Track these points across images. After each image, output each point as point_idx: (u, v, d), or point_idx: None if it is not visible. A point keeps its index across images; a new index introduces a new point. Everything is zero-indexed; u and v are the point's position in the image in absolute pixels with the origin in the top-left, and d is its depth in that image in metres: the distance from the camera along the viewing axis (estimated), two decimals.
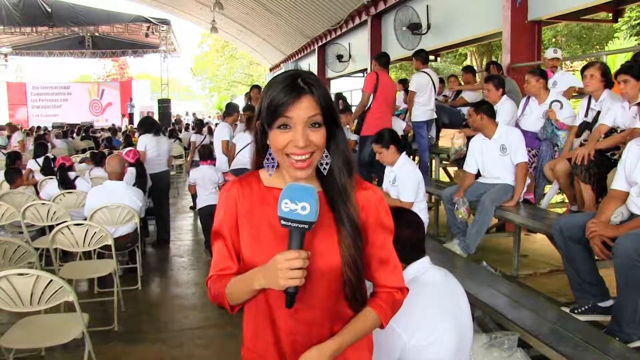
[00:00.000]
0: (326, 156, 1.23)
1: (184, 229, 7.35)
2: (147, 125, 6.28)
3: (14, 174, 5.58)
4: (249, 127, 5.90)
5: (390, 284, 1.31)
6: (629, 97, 3.53)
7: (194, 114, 27.94)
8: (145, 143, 6.04)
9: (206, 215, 5.42)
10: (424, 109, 6.24)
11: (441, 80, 7.58)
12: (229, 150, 6.12)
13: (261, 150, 1.26)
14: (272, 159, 1.23)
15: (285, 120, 1.16)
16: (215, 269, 1.30)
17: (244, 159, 5.69)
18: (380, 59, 6.02)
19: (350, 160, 1.26)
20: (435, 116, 6.43)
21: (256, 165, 1.32)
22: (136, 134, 8.63)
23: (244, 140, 5.78)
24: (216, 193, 5.52)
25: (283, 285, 1.10)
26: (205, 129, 10.04)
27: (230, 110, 6.89)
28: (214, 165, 5.81)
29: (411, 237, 1.96)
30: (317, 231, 1.20)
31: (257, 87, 7.63)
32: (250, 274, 1.19)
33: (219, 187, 5.58)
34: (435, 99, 6.48)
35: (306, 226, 1.11)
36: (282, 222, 1.11)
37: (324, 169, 1.24)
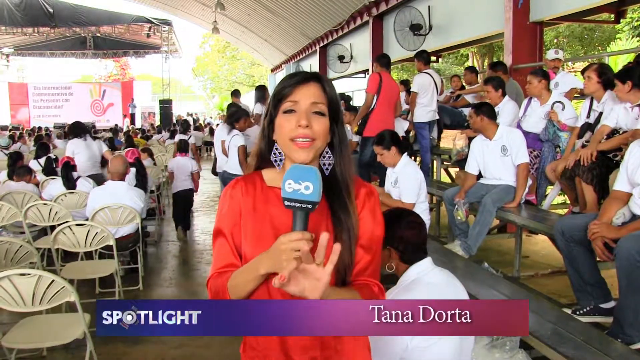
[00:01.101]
0: (329, 156, 1.25)
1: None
2: (76, 130, 6.38)
3: (26, 169, 5.63)
4: (231, 124, 5.87)
5: (369, 276, 1.28)
6: (619, 99, 3.61)
7: (192, 114, 27.98)
8: (73, 148, 6.12)
9: (180, 197, 6.61)
10: (426, 110, 6.24)
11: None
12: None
13: (268, 147, 1.27)
14: (279, 152, 1.25)
15: (291, 105, 1.20)
16: (216, 267, 1.28)
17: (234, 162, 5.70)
18: (382, 59, 6.03)
19: (350, 160, 1.28)
20: (437, 117, 6.43)
21: (257, 166, 1.33)
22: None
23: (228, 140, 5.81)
24: (189, 180, 6.67)
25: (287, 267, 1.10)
26: (206, 129, 10.22)
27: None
28: (188, 157, 6.94)
29: (413, 238, 1.96)
30: (316, 230, 1.20)
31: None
32: (254, 260, 1.18)
33: (192, 175, 6.74)
34: (438, 100, 6.48)
35: (310, 206, 1.10)
36: (286, 202, 1.10)
37: (327, 169, 1.25)
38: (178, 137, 10.07)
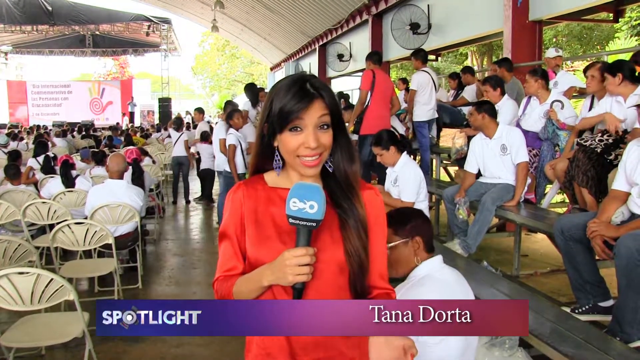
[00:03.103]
0: (330, 155, 1.26)
1: (184, 227, 7.35)
2: None
3: (16, 169, 5.57)
4: (227, 123, 5.92)
5: (384, 284, 1.32)
6: (610, 93, 3.65)
7: (190, 113, 27.92)
8: None
9: (204, 174, 8.66)
10: (425, 109, 6.23)
11: None
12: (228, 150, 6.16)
13: (267, 151, 1.28)
14: (279, 159, 1.26)
15: (298, 123, 1.19)
16: (221, 270, 1.30)
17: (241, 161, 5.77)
18: (373, 56, 6.02)
19: (354, 156, 1.29)
20: (436, 115, 6.43)
21: (255, 168, 1.33)
22: None
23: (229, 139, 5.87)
24: (210, 160, 8.09)
25: (292, 282, 1.13)
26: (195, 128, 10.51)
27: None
28: (211, 144, 8.07)
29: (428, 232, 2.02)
30: (320, 227, 1.20)
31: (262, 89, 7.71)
32: (257, 271, 1.21)
33: (213, 157, 7.68)
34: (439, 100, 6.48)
35: (314, 224, 1.14)
36: (290, 220, 1.14)
37: (330, 166, 1.26)
38: (172, 134, 10.30)
